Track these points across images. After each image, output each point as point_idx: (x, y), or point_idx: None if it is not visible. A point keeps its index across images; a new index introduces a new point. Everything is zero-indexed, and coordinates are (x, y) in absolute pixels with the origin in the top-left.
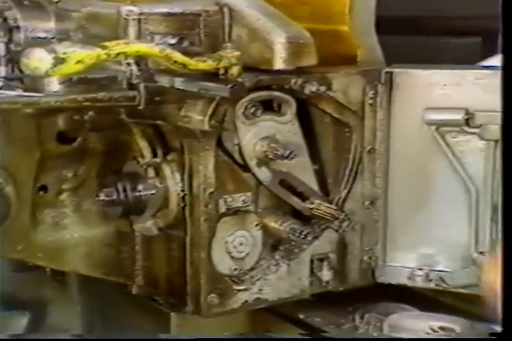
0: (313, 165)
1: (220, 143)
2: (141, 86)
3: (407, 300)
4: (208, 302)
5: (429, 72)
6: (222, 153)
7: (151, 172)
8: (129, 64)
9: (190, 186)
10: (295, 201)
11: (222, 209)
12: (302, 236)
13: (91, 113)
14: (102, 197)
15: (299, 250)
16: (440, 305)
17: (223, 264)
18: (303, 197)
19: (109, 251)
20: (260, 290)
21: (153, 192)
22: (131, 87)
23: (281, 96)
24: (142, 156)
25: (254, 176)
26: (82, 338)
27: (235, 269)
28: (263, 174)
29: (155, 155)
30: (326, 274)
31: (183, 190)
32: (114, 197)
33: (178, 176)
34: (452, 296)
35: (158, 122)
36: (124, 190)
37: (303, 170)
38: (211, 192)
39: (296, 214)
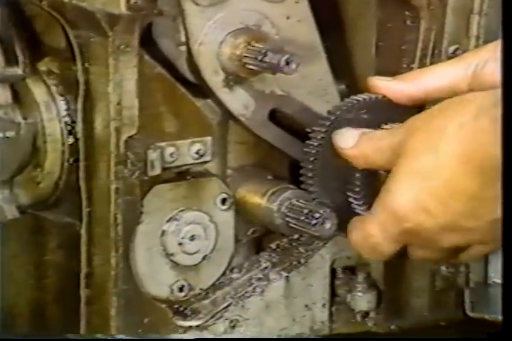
0: (337, 83)
1: (149, 42)
2: None
3: None
4: None
5: None
6: (153, 61)
7: (4, 96)
8: None
9: (89, 124)
10: (300, 152)
11: (156, 169)
12: (314, 223)
13: None
14: None
15: (308, 250)
16: None
17: (157, 278)
18: None
19: None
20: (232, 327)
21: (8, 134)
22: None
23: None
24: None
25: (220, 105)
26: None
27: (181, 288)
28: (237, 100)
29: (12, 60)
30: (363, 298)
31: (72, 133)
32: None
33: (62, 104)
34: None
35: None
36: None
37: (317, 93)
38: (131, 136)
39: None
